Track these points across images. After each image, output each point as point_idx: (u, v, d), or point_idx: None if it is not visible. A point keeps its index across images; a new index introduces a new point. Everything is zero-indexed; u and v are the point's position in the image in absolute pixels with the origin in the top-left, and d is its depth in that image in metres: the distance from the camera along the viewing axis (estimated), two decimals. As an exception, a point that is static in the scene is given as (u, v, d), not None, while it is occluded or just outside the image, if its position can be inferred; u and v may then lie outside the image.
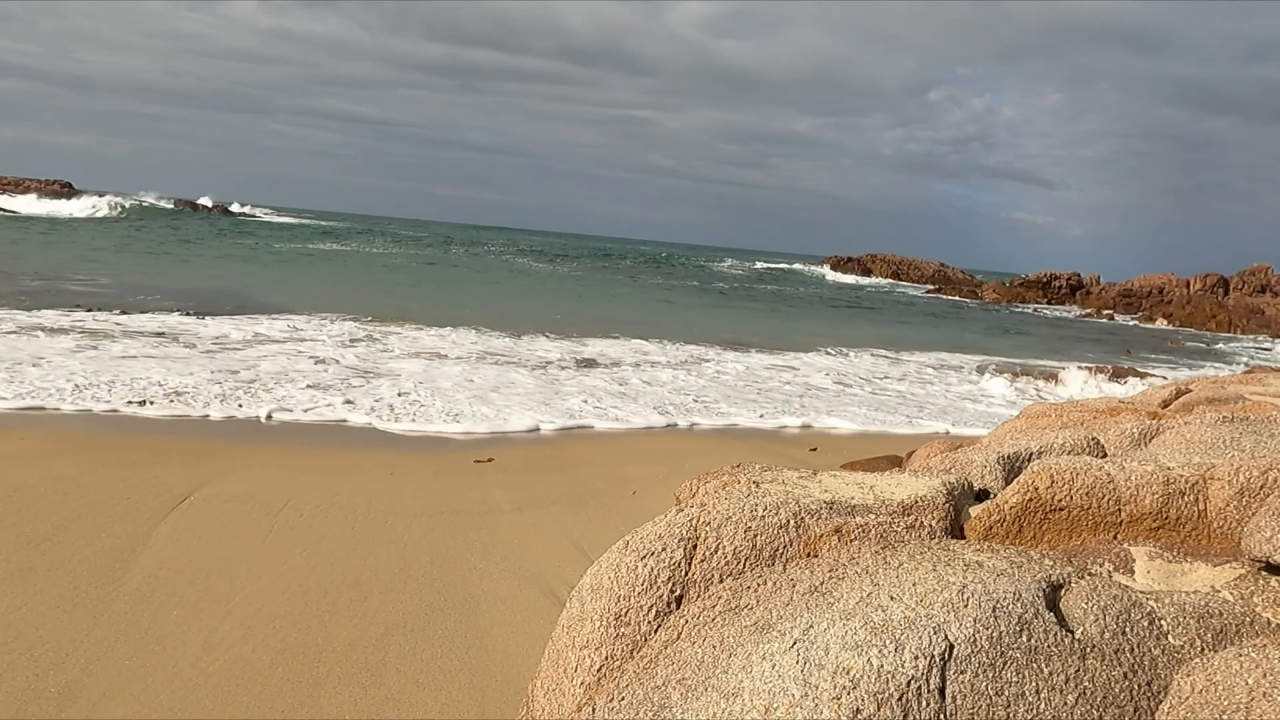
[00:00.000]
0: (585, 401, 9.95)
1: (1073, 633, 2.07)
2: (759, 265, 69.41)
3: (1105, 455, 3.78)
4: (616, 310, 24.45)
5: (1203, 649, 2.12)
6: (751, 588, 2.41)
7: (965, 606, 2.04)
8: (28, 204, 51.68)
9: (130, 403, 8.11)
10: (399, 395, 9.49)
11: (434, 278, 31.48)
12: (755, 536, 2.60)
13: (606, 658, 2.44)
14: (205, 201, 76.64)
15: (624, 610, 2.48)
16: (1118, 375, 15.91)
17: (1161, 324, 42.41)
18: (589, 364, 12.94)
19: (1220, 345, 31.29)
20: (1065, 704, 1.93)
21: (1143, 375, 15.95)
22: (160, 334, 12.23)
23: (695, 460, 7.97)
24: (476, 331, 15.64)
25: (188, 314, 14.38)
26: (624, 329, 18.16)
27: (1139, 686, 2.01)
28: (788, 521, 2.64)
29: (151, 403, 8.17)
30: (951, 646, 1.93)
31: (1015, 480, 3.00)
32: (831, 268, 65.92)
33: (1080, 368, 16.77)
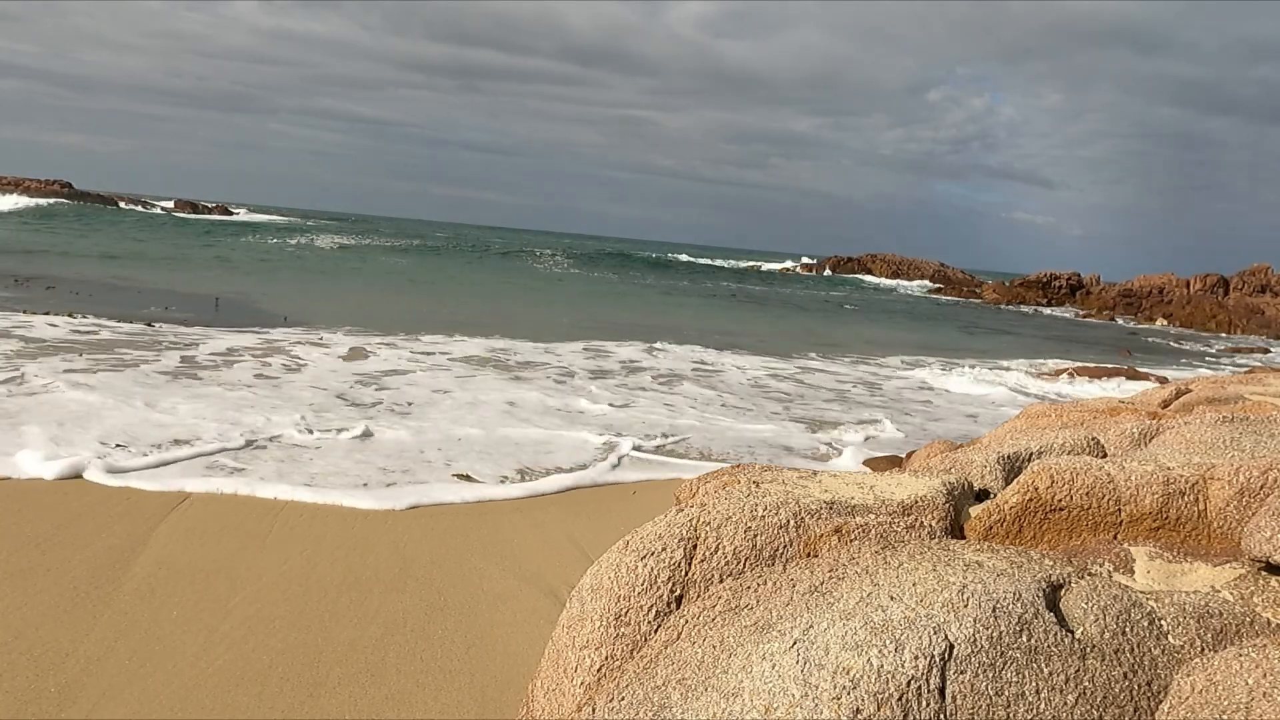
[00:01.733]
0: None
1: (1073, 633, 2.07)
2: (771, 266, 69.09)
3: (1105, 455, 3.78)
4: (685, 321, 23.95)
5: (1203, 649, 2.12)
6: (751, 588, 2.41)
7: (965, 606, 2.04)
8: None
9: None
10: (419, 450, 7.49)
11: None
12: (755, 536, 2.60)
13: (606, 658, 2.44)
14: (171, 204, 74.51)
15: (624, 610, 2.49)
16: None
17: (1161, 324, 42.43)
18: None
19: (1210, 347, 31.23)
20: (1065, 704, 1.93)
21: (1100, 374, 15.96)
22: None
23: (695, 460, 7.98)
24: (500, 339, 15.59)
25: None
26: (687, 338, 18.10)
27: (1139, 686, 2.01)
28: (788, 521, 2.64)
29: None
30: (951, 646, 1.93)
31: (1015, 480, 3.00)
32: (831, 268, 65.93)
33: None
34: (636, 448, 8.02)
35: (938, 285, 57.27)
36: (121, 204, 68.93)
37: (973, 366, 16.95)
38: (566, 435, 8.20)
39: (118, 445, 6.65)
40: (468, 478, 6.64)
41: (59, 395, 8.01)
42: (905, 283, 59.63)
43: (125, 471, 6.08)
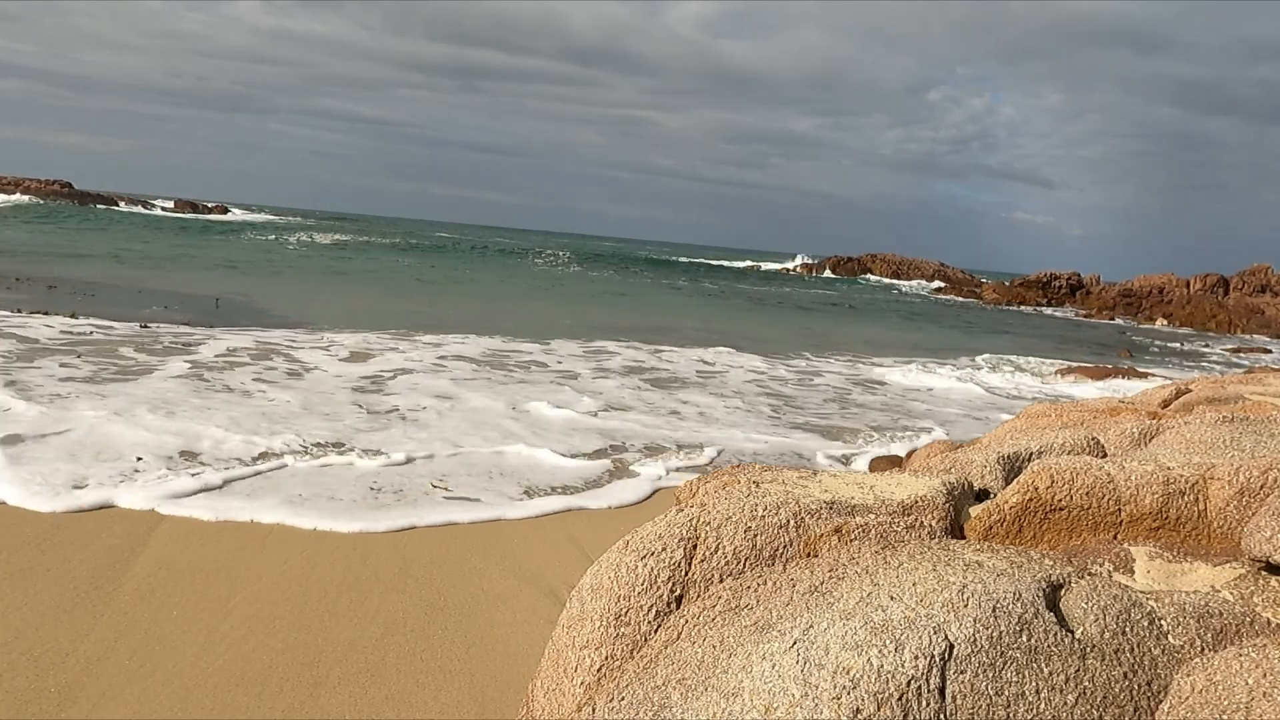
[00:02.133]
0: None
1: (1073, 633, 2.07)
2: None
3: (1105, 455, 3.78)
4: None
5: (1203, 649, 2.12)
6: (751, 588, 2.41)
7: (965, 606, 2.04)
8: None
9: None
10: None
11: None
12: (755, 536, 2.60)
13: (606, 658, 2.44)
14: (170, 203, 73.07)
15: (624, 610, 2.49)
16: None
17: (1161, 324, 42.44)
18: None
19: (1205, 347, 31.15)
20: (1065, 704, 1.93)
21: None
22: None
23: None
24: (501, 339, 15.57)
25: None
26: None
27: (1139, 686, 2.01)
28: (788, 521, 2.64)
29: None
30: (951, 646, 1.93)
31: (1015, 480, 3.00)
32: (831, 268, 65.82)
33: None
34: (676, 470, 7.50)
35: (939, 285, 57.25)
36: (121, 204, 68.85)
37: (963, 368, 16.98)
38: (567, 458, 7.63)
39: (122, 464, 6.64)
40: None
41: (51, 407, 8.01)
42: (907, 283, 59.45)
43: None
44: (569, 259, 53.42)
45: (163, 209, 70.10)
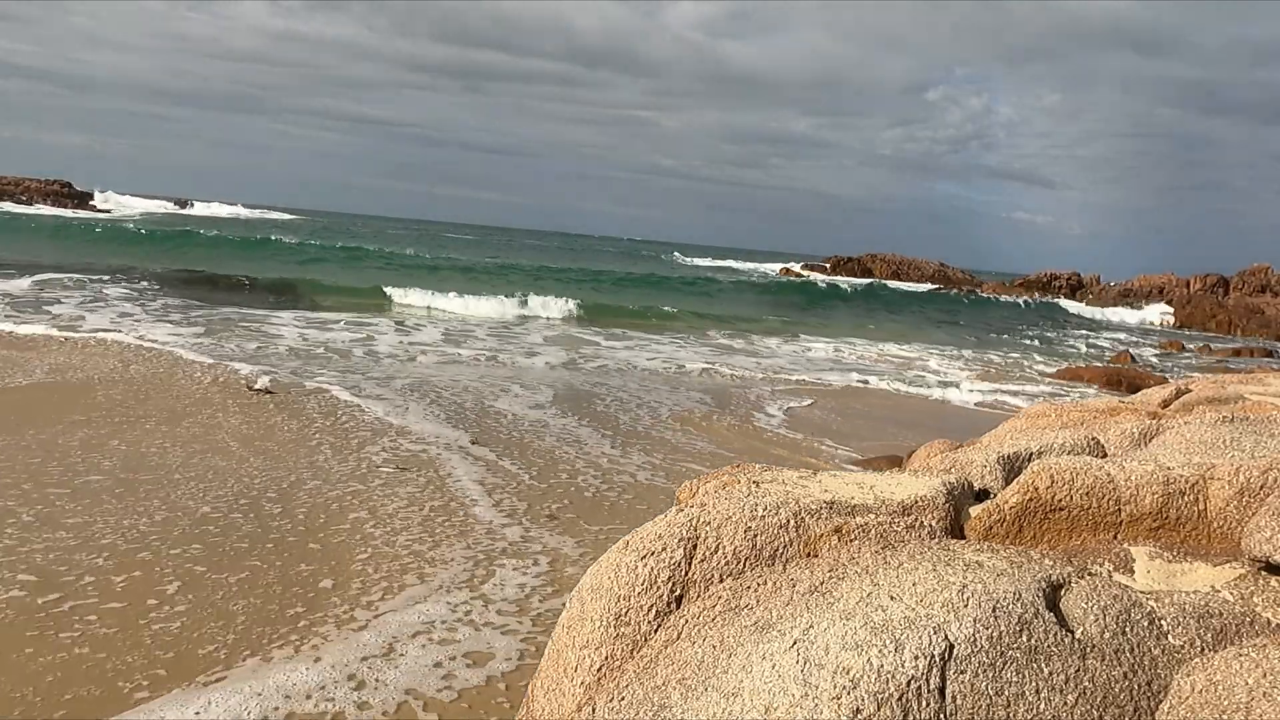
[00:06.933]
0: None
1: (1073, 633, 2.07)
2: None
3: (1105, 455, 3.78)
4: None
5: (1203, 649, 2.12)
6: (751, 588, 2.41)
7: (965, 606, 2.04)
8: None
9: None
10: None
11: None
12: (755, 536, 2.60)
13: (606, 657, 2.44)
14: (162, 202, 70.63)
15: (624, 610, 2.48)
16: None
17: (1161, 324, 42.47)
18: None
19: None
20: (1065, 704, 1.93)
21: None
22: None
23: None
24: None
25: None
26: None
27: (1139, 686, 2.01)
28: (788, 521, 2.64)
29: None
30: (951, 646, 1.93)
31: (1015, 480, 3.00)
32: (831, 268, 65.26)
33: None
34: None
35: (938, 285, 56.83)
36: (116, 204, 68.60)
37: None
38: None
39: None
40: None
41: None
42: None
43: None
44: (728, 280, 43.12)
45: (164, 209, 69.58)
